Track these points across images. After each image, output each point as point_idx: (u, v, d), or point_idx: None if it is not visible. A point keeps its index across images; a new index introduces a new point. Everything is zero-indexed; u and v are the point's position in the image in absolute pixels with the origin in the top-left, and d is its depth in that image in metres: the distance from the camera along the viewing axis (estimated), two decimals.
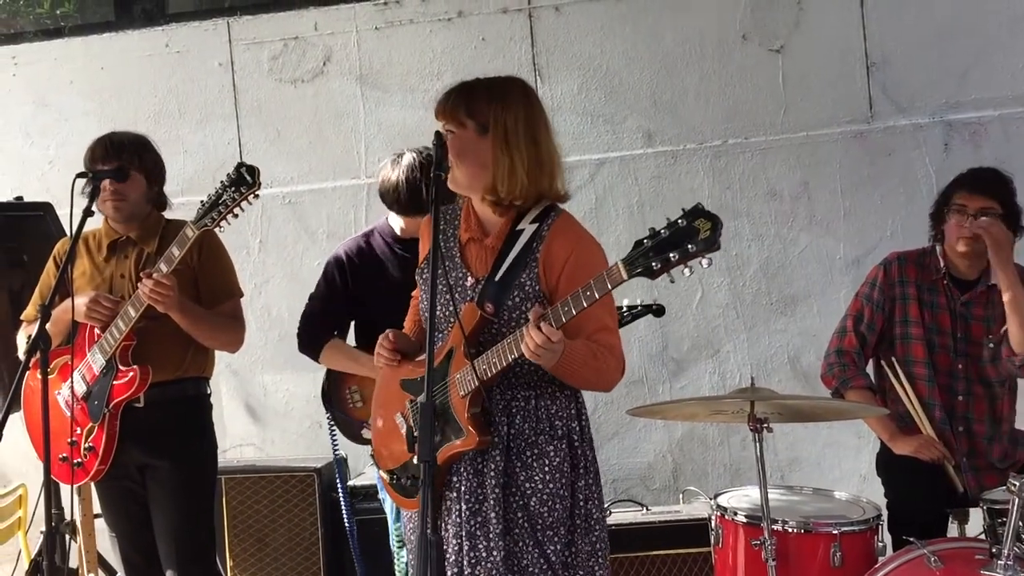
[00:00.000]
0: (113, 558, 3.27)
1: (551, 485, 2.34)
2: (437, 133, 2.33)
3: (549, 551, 2.31)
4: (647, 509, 3.80)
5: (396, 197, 3.18)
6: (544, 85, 4.52)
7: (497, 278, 2.37)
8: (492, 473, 2.32)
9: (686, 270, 2.06)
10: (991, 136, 4.22)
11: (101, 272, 3.16)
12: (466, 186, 2.43)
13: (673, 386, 4.47)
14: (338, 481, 3.80)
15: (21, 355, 3.14)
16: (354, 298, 3.26)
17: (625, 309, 3.52)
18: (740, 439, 4.41)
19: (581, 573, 2.37)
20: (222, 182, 2.85)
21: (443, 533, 2.35)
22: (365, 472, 4.21)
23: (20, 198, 3.95)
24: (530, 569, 2.31)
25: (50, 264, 3.26)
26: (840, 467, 4.32)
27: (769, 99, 4.39)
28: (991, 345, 3.29)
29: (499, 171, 2.37)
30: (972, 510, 3.28)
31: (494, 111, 2.38)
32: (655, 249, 2.05)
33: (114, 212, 3.12)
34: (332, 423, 3.40)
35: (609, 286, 2.13)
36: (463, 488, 2.34)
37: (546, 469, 2.35)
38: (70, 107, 4.88)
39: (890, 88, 4.30)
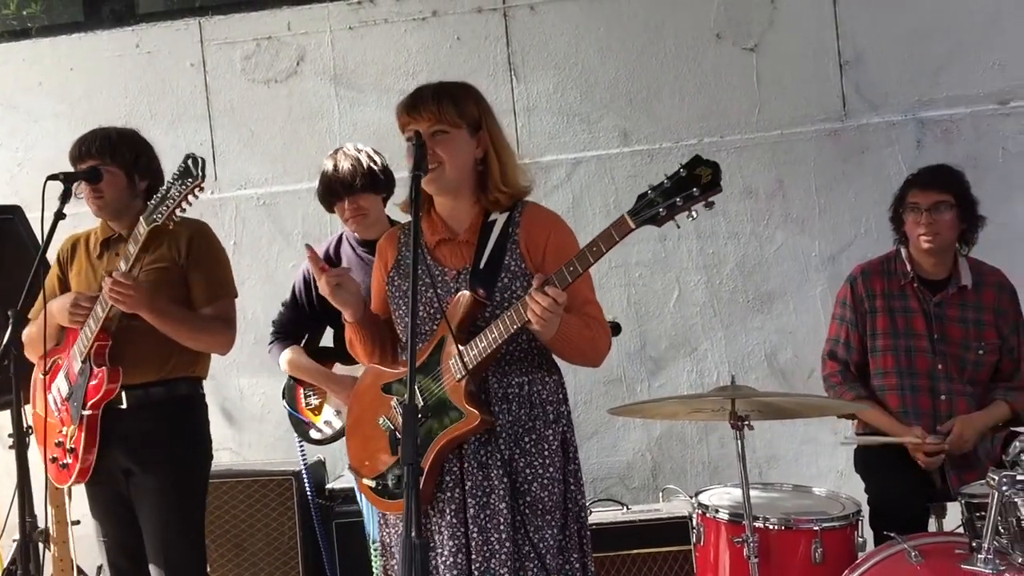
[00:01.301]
0: (103, 562, 3.21)
1: (550, 469, 2.39)
2: (417, 133, 2.33)
3: (547, 535, 2.36)
4: (627, 508, 3.81)
5: (351, 180, 3.15)
6: (520, 84, 4.51)
7: (481, 266, 2.41)
8: (498, 463, 2.35)
9: (691, 215, 2.16)
10: (963, 133, 4.26)
11: (95, 270, 3.11)
12: (455, 186, 2.45)
13: (651, 385, 4.47)
14: (307, 485, 3.79)
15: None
16: (323, 311, 3.21)
17: None
18: (718, 437, 4.42)
19: (575, 556, 2.43)
20: (173, 175, 2.80)
21: (438, 535, 2.34)
22: (344, 475, 4.18)
23: None
24: (532, 554, 2.34)
25: (54, 264, 3.22)
26: (817, 464, 4.35)
27: (744, 98, 4.40)
28: (980, 351, 3.34)
29: (497, 167, 2.44)
30: (950, 504, 3.32)
31: (482, 111, 2.46)
32: (661, 196, 2.15)
33: (96, 211, 3.08)
34: (291, 421, 3.42)
35: (616, 238, 2.20)
36: (469, 483, 2.35)
37: (545, 454, 2.40)
38: (39, 109, 4.80)
39: (863, 86, 4.33)
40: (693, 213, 2.16)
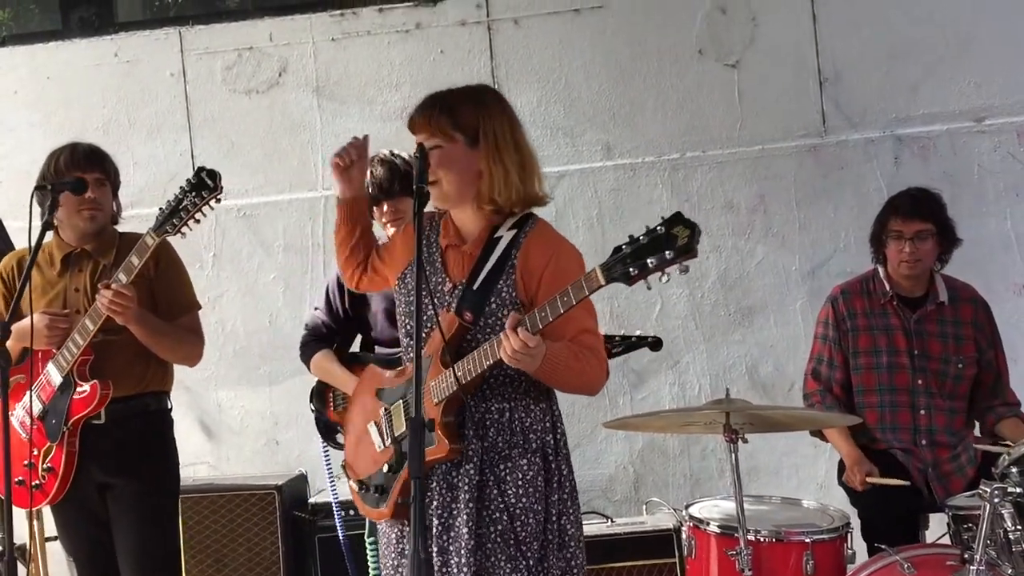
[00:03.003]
0: None
1: (524, 500, 2.32)
2: (420, 145, 2.32)
3: (521, 566, 2.29)
4: (611, 521, 3.81)
5: (388, 185, 3.14)
6: None
7: (476, 286, 2.37)
8: (465, 487, 2.30)
9: (663, 277, 2.08)
10: (939, 150, 4.34)
11: (53, 286, 3.06)
12: (455, 198, 2.42)
13: (634, 398, 4.49)
14: (332, 492, 3.75)
15: None
16: (354, 316, 3.25)
17: (619, 339, 3.50)
18: (700, 449, 4.45)
19: None
20: (182, 187, 2.79)
21: (419, 549, 2.32)
22: (326, 489, 4.14)
23: None
24: None
25: None
26: (798, 475, 4.39)
27: (725, 113, 4.45)
28: (960, 366, 3.40)
29: (495, 179, 2.37)
30: (932, 515, 3.37)
31: (482, 120, 2.38)
32: (633, 255, 2.08)
33: (90, 223, 3.03)
34: (317, 424, 3.37)
35: (586, 291, 2.15)
36: (435, 503, 2.31)
37: (519, 483, 2.33)
38: (15, 118, 4.73)
39: (842, 103, 4.40)
40: (665, 276, 2.08)
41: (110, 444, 2.98)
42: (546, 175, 4.38)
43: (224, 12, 4.73)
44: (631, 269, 2.07)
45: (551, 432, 2.41)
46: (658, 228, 2.06)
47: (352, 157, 2.52)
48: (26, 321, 2.92)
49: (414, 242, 2.41)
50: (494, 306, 2.34)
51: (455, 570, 2.28)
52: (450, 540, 2.30)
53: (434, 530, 2.30)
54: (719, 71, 4.46)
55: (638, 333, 3.56)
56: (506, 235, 2.40)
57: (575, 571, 2.39)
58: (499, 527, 2.30)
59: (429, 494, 2.33)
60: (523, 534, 2.30)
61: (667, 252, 2.04)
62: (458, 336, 2.32)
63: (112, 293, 2.81)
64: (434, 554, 2.29)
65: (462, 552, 2.27)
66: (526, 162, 2.42)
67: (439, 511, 2.31)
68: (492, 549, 2.30)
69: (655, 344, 3.50)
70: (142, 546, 3.01)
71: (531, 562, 2.30)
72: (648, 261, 2.06)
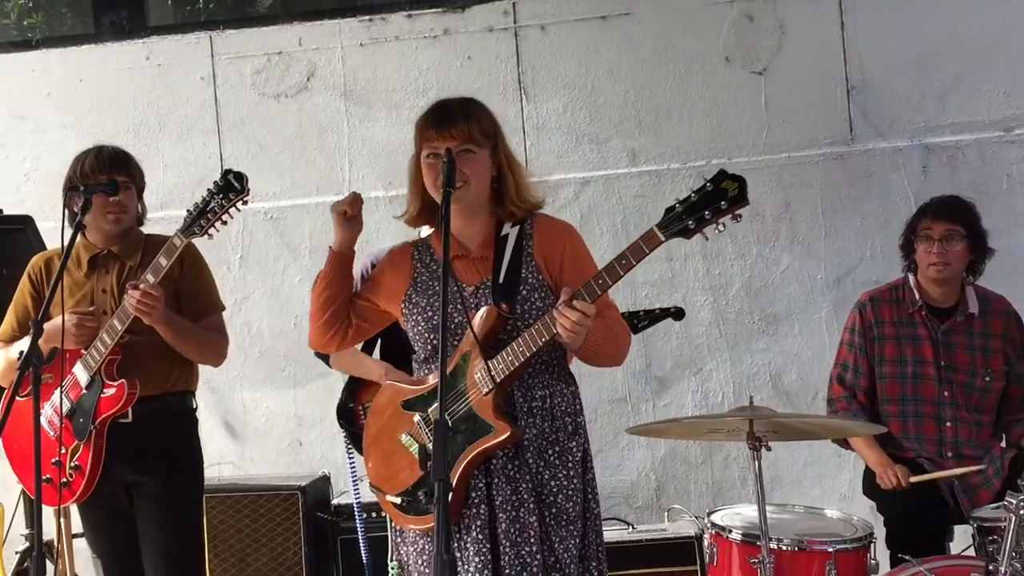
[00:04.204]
0: None
1: (574, 481, 2.43)
2: (448, 151, 2.34)
3: (571, 545, 2.39)
4: (633, 527, 3.81)
5: None
6: (529, 103, 4.54)
7: (500, 280, 2.44)
8: (526, 477, 2.38)
9: (719, 228, 2.21)
10: (968, 160, 4.31)
11: (81, 287, 3.10)
12: (477, 202, 2.49)
13: (656, 404, 4.48)
14: (354, 495, 3.75)
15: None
16: None
17: (643, 313, 3.56)
18: (723, 458, 4.43)
19: (593, 564, 2.46)
20: (209, 189, 2.82)
21: (463, 552, 2.34)
22: (348, 491, 4.17)
23: None
24: (558, 565, 2.36)
25: (24, 281, 3.18)
26: (821, 485, 4.36)
27: (752, 121, 4.44)
28: (987, 378, 3.37)
29: (512, 182, 2.48)
30: (957, 527, 3.34)
31: (496, 129, 2.50)
32: (688, 211, 2.21)
33: (115, 225, 3.07)
34: (347, 439, 3.37)
35: (647, 251, 2.26)
36: (499, 499, 2.37)
37: (569, 465, 2.43)
38: (47, 119, 4.80)
39: (870, 111, 4.38)
40: (721, 226, 2.21)
41: (136, 443, 3.01)
42: (571, 181, 4.53)
43: (254, 17, 4.78)
44: (689, 223, 2.20)
45: (580, 414, 2.53)
46: (707, 185, 2.20)
47: (357, 209, 2.52)
48: (56, 321, 2.95)
49: (405, 266, 2.55)
50: (524, 293, 2.42)
51: (528, 559, 2.35)
52: (519, 531, 2.36)
53: (503, 523, 2.36)
54: (746, 78, 4.45)
55: (659, 307, 3.60)
56: (511, 231, 2.50)
57: (601, 546, 2.51)
58: (553, 510, 2.39)
59: (487, 491, 2.39)
60: (572, 514, 2.41)
61: (721, 203, 2.18)
62: (497, 327, 2.39)
63: (140, 293, 2.85)
64: (506, 548, 2.35)
65: (532, 541, 2.35)
66: (523, 170, 2.57)
67: (504, 505, 2.37)
68: (549, 532, 2.38)
69: (678, 314, 3.65)
70: (167, 544, 3.05)
71: (578, 539, 2.41)
72: (704, 213, 2.19)
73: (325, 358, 3.30)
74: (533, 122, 4.54)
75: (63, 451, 3.01)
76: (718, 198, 2.18)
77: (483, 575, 2.34)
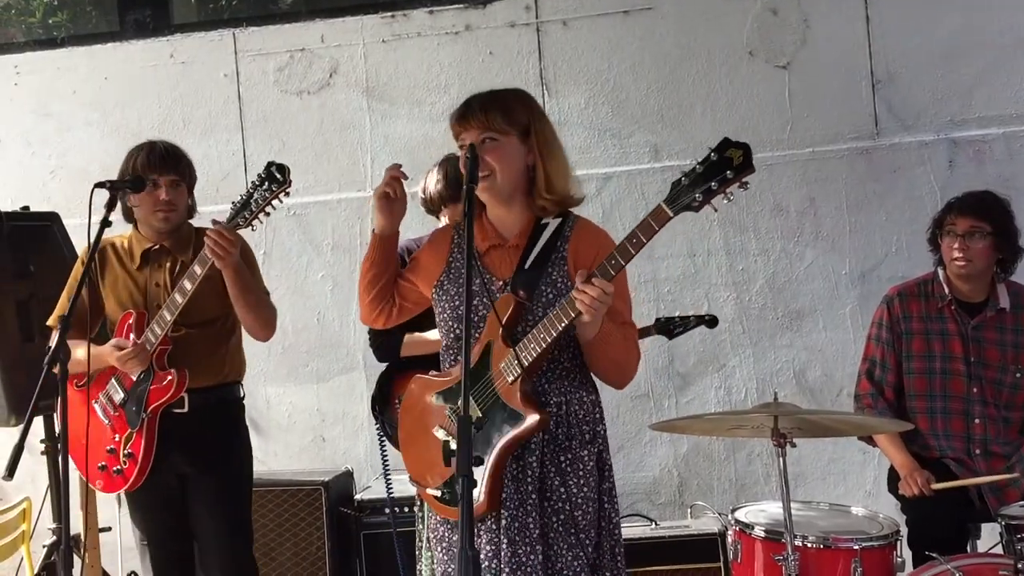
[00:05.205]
0: (142, 569, 3.22)
1: (584, 489, 2.39)
2: (471, 146, 2.35)
3: (581, 554, 2.36)
4: (656, 524, 3.80)
5: (440, 193, 3.19)
6: (551, 99, 4.53)
7: (526, 267, 2.43)
8: (530, 479, 2.36)
9: (726, 198, 2.16)
10: (995, 154, 4.26)
11: (135, 281, 3.14)
12: (507, 191, 2.46)
13: (679, 400, 4.47)
14: (387, 489, 3.73)
15: None
16: None
17: (678, 319, 3.54)
18: (746, 454, 4.41)
19: (608, 574, 2.43)
20: (253, 182, 2.87)
21: (477, 539, 2.35)
22: (372, 486, 4.18)
23: (26, 208, 3.90)
24: (565, 572, 2.35)
25: (78, 267, 3.22)
26: (845, 482, 4.34)
27: (775, 115, 4.42)
28: (1018, 375, 3.33)
29: (551, 172, 2.44)
30: (985, 525, 3.31)
31: (532, 118, 2.46)
32: (694, 184, 2.17)
33: (164, 223, 3.11)
34: (381, 433, 3.36)
35: (656, 228, 2.21)
36: (503, 496, 2.36)
37: (580, 474, 2.40)
38: (72, 117, 4.84)
39: (895, 105, 4.34)
40: (729, 196, 2.16)
41: (191, 432, 3.07)
42: (593, 176, 4.51)
43: (277, 14, 4.79)
44: (697, 195, 2.16)
45: (601, 422, 2.50)
46: (711, 155, 2.15)
47: (399, 191, 2.52)
48: (99, 349, 3.02)
49: (443, 249, 2.53)
50: (550, 295, 2.39)
51: (523, 559, 2.33)
52: (518, 531, 2.35)
53: (504, 520, 2.35)
54: (770, 72, 4.42)
55: (693, 313, 3.60)
56: (552, 223, 2.47)
57: (619, 554, 2.47)
58: (561, 516, 2.36)
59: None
60: (583, 523, 2.38)
61: (728, 172, 2.13)
62: (516, 315, 2.37)
63: (216, 233, 2.85)
64: (505, 545, 2.34)
65: (528, 541, 2.34)
66: (566, 163, 2.51)
67: (507, 503, 2.36)
68: (555, 539, 2.36)
69: (711, 322, 3.60)
70: (222, 535, 3.11)
71: (589, 549, 2.38)
72: (711, 185, 2.14)
73: (393, 348, 3.27)
74: (555, 117, 4.51)
75: (117, 439, 3.08)
76: (724, 167, 2.13)
77: (492, 564, 2.34)
